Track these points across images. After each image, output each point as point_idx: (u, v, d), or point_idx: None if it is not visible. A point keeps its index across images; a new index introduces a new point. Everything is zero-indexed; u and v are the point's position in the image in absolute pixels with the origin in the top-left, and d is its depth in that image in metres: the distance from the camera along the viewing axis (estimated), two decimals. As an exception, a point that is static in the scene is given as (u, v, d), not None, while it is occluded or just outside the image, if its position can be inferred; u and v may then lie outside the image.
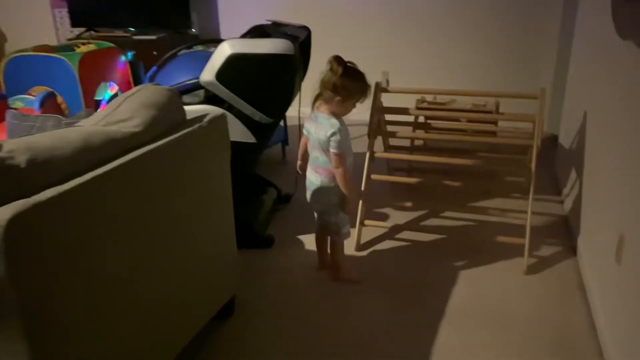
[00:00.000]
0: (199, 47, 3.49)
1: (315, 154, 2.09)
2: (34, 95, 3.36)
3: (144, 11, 4.58)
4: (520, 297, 2.15)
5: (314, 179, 2.12)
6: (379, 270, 2.35)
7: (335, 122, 1.99)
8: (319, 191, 2.11)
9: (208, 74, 2.21)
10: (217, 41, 3.25)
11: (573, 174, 2.69)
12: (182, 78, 2.51)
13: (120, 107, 1.52)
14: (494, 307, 2.09)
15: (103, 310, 1.34)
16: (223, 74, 2.20)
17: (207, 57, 2.46)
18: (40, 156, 1.21)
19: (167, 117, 1.59)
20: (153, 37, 4.45)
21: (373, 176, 2.57)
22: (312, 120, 2.07)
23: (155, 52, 4.28)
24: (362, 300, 2.15)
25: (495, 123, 3.10)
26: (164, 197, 1.53)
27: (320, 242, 2.31)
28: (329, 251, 2.30)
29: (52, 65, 3.91)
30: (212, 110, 1.78)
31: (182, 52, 3.25)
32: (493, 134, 3.00)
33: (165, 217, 1.54)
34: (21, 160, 1.18)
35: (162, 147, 1.49)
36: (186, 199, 1.64)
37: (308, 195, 2.17)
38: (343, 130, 1.99)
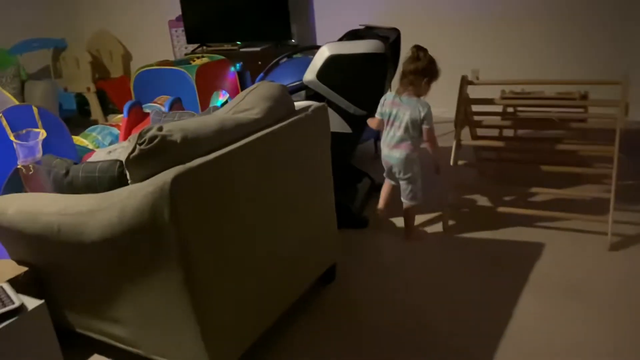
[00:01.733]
0: (298, 55, 3.88)
1: (399, 133, 2.45)
2: (159, 104, 3.91)
3: (249, 26, 5.08)
4: (603, 271, 2.25)
5: (397, 154, 2.48)
6: (464, 244, 2.55)
7: (425, 102, 2.40)
8: (405, 163, 2.48)
9: (310, 74, 2.56)
10: (313, 48, 3.61)
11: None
12: (286, 82, 2.88)
13: (244, 100, 1.89)
14: (576, 280, 2.21)
15: (231, 257, 1.69)
16: (323, 73, 2.54)
17: (305, 63, 2.81)
18: (190, 135, 1.59)
19: (280, 107, 1.93)
20: (257, 49, 4.93)
21: (460, 162, 2.77)
22: (396, 105, 2.43)
23: (260, 62, 4.74)
24: (448, 269, 2.37)
25: (585, 110, 3.16)
26: (278, 172, 1.87)
27: (386, 196, 2.74)
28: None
29: (173, 77, 4.51)
30: (314, 103, 2.10)
31: (284, 60, 3.65)
32: (581, 121, 3.06)
33: (279, 188, 1.88)
34: (177, 137, 1.56)
35: (277, 131, 1.83)
36: (295, 175, 1.96)
37: (395, 169, 2.53)
38: (428, 108, 2.41)
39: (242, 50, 5.03)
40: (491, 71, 3.50)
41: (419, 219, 2.76)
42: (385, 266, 2.47)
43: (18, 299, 1.35)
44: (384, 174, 2.69)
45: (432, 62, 2.40)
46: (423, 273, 2.39)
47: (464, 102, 2.78)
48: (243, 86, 4.66)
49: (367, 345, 1.95)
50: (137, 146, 1.52)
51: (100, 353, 1.99)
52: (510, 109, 3.27)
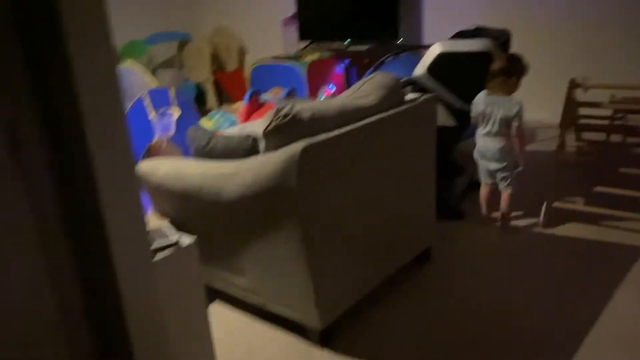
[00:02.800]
0: (404, 54, 4.05)
1: (495, 128, 2.60)
2: (274, 94, 4.25)
3: (359, 25, 5.31)
4: None
5: (493, 144, 2.64)
6: (560, 240, 2.60)
7: (518, 100, 2.55)
8: (501, 152, 2.64)
9: (421, 69, 2.74)
10: (419, 48, 3.76)
11: None
12: (394, 77, 3.07)
13: (361, 88, 2.11)
14: (678, 285, 2.21)
15: (342, 223, 1.91)
16: (433, 68, 2.71)
17: (410, 61, 2.98)
18: (317, 114, 1.83)
19: (392, 96, 2.13)
20: (365, 47, 5.15)
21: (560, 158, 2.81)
22: (490, 103, 2.59)
23: (366, 60, 4.96)
24: (541, 261, 2.45)
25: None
26: (387, 154, 2.07)
27: (488, 201, 2.80)
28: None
29: (286, 71, 4.86)
30: (424, 94, 2.28)
31: (390, 58, 3.84)
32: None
33: (386, 169, 2.08)
34: (306, 115, 1.81)
35: (389, 117, 2.03)
36: (402, 159, 2.16)
37: (491, 158, 2.68)
38: (520, 106, 2.56)
39: (349, 49, 5.27)
40: (601, 76, 3.47)
41: (516, 214, 2.84)
42: (479, 254, 2.59)
43: (176, 235, 1.65)
44: (480, 176, 2.81)
45: (518, 60, 2.59)
46: (515, 263, 2.48)
47: (571, 104, 2.82)
48: (349, 83, 4.91)
49: (455, 322, 2.10)
50: (274, 121, 1.78)
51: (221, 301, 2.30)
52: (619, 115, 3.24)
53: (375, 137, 1.99)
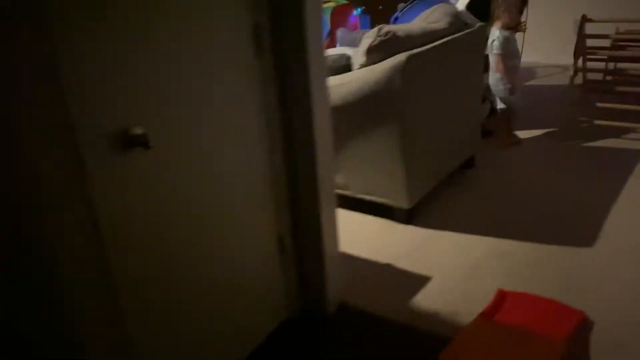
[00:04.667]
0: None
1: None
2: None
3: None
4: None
5: (492, 72, 3.15)
6: (576, 148, 3.15)
7: (495, 31, 3.04)
8: (495, 81, 3.14)
9: (461, 5, 3.20)
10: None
11: None
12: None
13: (431, 15, 2.56)
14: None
15: (425, 122, 2.39)
16: (471, 4, 3.18)
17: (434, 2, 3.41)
18: (408, 33, 2.28)
19: (456, 22, 2.59)
20: (377, -6, 5.50)
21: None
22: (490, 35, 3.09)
23: (380, 7, 5.34)
24: (563, 162, 3.00)
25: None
26: (454, 69, 2.54)
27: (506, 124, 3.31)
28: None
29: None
30: (478, 23, 2.74)
31: (417, 1, 4.25)
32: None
33: (454, 81, 2.55)
34: (401, 34, 2.25)
35: (458, 37, 2.49)
36: (463, 74, 2.63)
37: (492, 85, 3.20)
38: (502, 38, 3.02)
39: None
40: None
41: (537, 131, 3.38)
42: (511, 162, 3.12)
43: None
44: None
45: None
46: (541, 167, 3.02)
47: (583, 36, 3.33)
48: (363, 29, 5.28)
49: (500, 202, 2.63)
50: (378, 37, 2.22)
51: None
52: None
53: (448, 54, 2.46)
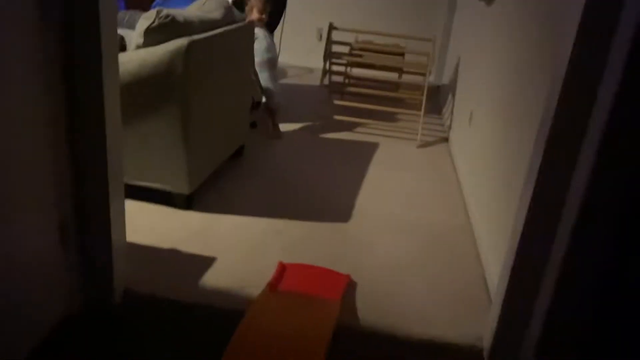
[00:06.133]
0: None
1: None
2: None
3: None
4: (412, 157, 3.52)
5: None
6: (326, 141, 3.60)
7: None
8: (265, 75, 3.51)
9: None
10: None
11: (448, 97, 4.12)
12: (183, 6, 3.56)
13: (205, 4, 2.61)
14: (397, 161, 3.43)
15: (205, 108, 2.44)
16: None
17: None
18: (187, 19, 2.29)
19: (228, 14, 2.70)
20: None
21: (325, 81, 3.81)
22: None
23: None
24: (318, 152, 3.40)
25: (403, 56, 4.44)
26: (229, 59, 2.64)
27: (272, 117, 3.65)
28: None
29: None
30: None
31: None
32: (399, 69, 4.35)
33: (228, 71, 2.66)
34: (180, 19, 2.25)
35: (233, 29, 2.61)
36: (235, 65, 2.75)
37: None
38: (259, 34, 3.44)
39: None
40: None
41: (294, 125, 3.73)
42: (275, 152, 3.39)
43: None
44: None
45: None
46: (300, 156, 3.37)
47: (329, 42, 3.81)
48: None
49: (271, 188, 2.87)
50: (157, 19, 2.18)
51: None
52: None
53: (226, 44, 2.55)
